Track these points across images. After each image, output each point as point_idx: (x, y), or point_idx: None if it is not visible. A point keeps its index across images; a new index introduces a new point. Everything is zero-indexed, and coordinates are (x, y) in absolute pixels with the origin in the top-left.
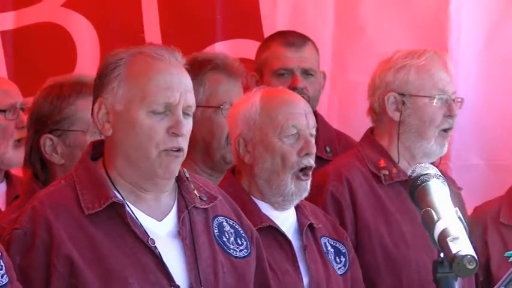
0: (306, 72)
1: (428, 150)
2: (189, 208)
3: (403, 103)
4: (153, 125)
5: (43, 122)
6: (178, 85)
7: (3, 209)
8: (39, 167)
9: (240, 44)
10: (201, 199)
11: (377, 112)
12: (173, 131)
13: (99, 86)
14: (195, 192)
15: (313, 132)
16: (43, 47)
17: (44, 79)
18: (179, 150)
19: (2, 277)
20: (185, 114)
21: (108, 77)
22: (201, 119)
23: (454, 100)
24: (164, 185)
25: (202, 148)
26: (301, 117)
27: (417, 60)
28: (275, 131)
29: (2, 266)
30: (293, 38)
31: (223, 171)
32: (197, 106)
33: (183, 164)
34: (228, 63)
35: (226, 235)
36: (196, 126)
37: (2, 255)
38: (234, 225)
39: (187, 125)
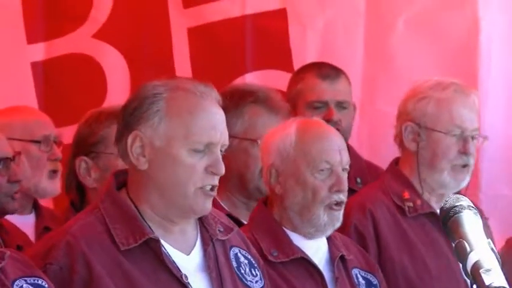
0: (340, 105)
1: (442, 182)
2: (213, 240)
3: (419, 134)
4: (194, 163)
5: (79, 144)
6: (219, 124)
7: (33, 240)
8: (75, 191)
9: (269, 75)
10: (218, 231)
11: (397, 141)
12: (212, 170)
13: (132, 118)
14: (214, 224)
15: (347, 167)
16: (73, 78)
17: (74, 110)
18: (214, 187)
19: None
20: (220, 151)
21: (147, 111)
22: (237, 150)
23: (473, 138)
24: (194, 218)
25: (237, 179)
26: (335, 153)
27: (440, 93)
28: (308, 165)
29: None
30: (327, 70)
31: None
32: (234, 137)
33: (219, 194)
34: (269, 97)
35: (243, 266)
36: (231, 156)
37: None
38: (246, 255)
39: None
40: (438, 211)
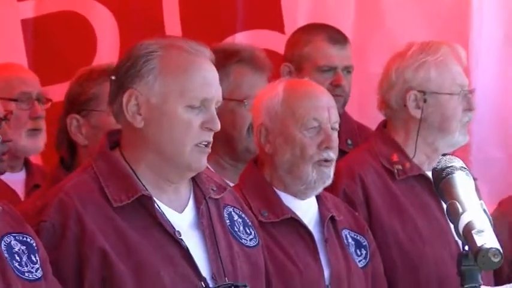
0: (346, 70)
1: (454, 142)
2: (206, 198)
3: (425, 101)
4: (191, 119)
5: (71, 102)
6: (214, 81)
7: (22, 197)
8: (66, 148)
9: (260, 35)
10: (212, 189)
11: (393, 108)
12: (207, 126)
13: (126, 77)
14: (207, 183)
15: (336, 126)
16: (63, 36)
17: (63, 68)
18: (208, 144)
19: (36, 271)
20: (216, 109)
21: (141, 70)
22: (223, 111)
23: (470, 92)
24: (190, 176)
25: (224, 140)
26: (323, 110)
27: (434, 56)
28: (296, 123)
29: (36, 260)
30: (337, 35)
31: (247, 162)
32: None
33: (207, 157)
34: (254, 57)
35: (237, 225)
36: (219, 116)
37: (38, 248)
38: (240, 214)
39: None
40: (428, 173)
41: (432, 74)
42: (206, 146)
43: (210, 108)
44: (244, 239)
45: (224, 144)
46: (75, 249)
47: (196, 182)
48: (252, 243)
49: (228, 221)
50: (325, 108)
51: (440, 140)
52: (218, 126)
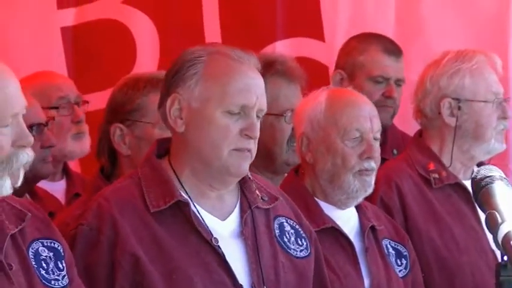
0: (398, 82)
1: (490, 149)
2: (252, 208)
3: (459, 108)
4: (228, 124)
5: (115, 111)
6: (256, 88)
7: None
8: (107, 157)
9: (300, 43)
10: (262, 199)
11: (428, 116)
12: (246, 133)
13: (172, 82)
14: (257, 192)
15: (378, 136)
16: (103, 43)
17: (103, 76)
18: (249, 151)
19: (62, 279)
20: (257, 117)
21: (185, 74)
22: (262, 126)
23: (505, 101)
24: (232, 183)
25: (263, 154)
26: (365, 120)
27: (469, 64)
28: (338, 132)
29: (63, 266)
30: (392, 47)
31: (285, 174)
32: None
33: None
34: (288, 68)
35: (287, 235)
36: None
37: (64, 254)
38: (294, 225)
39: (258, 127)
40: (464, 182)
41: (466, 82)
42: (247, 151)
43: (250, 115)
44: (294, 250)
45: (263, 158)
46: (108, 253)
47: (243, 191)
48: (302, 254)
49: (277, 231)
50: (367, 118)
51: (476, 148)
52: (257, 134)
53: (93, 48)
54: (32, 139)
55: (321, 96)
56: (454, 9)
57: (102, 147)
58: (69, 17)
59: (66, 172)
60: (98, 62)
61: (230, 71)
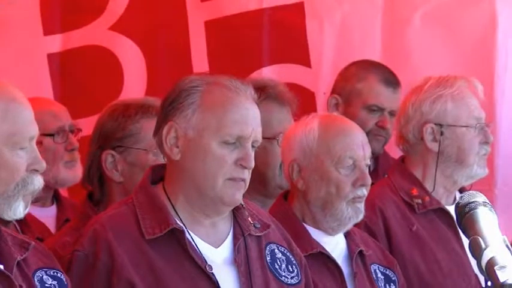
0: (392, 113)
1: (473, 174)
2: (244, 236)
3: (441, 133)
4: (224, 155)
5: (107, 137)
6: (252, 120)
7: (53, 231)
8: (97, 184)
9: (286, 69)
10: (254, 226)
11: (411, 142)
12: (241, 163)
13: (169, 110)
14: (250, 219)
15: (368, 162)
16: (90, 69)
17: (91, 102)
18: (243, 180)
19: None
20: (252, 147)
21: (182, 103)
22: (255, 150)
23: (487, 126)
24: (225, 212)
25: (255, 177)
26: (358, 148)
27: (451, 90)
28: (332, 160)
29: None
30: (391, 77)
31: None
32: None
33: None
34: (279, 92)
35: (278, 262)
36: None
37: (67, 284)
38: (285, 252)
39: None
40: (447, 207)
41: (449, 107)
42: (241, 181)
43: (245, 146)
44: (285, 277)
45: (256, 181)
46: (105, 279)
47: (236, 218)
48: (293, 281)
49: (269, 258)
50: (360, 146)
51: (458, 173)
52: (252, 164)
53: (80, 74)
54: (44, 165)
55: (312, 123)
56: (440, 36)
57: (92, 173)
58: (56, 43)
59: (56, 198)
60: (85, 88)
61: (227, 102)
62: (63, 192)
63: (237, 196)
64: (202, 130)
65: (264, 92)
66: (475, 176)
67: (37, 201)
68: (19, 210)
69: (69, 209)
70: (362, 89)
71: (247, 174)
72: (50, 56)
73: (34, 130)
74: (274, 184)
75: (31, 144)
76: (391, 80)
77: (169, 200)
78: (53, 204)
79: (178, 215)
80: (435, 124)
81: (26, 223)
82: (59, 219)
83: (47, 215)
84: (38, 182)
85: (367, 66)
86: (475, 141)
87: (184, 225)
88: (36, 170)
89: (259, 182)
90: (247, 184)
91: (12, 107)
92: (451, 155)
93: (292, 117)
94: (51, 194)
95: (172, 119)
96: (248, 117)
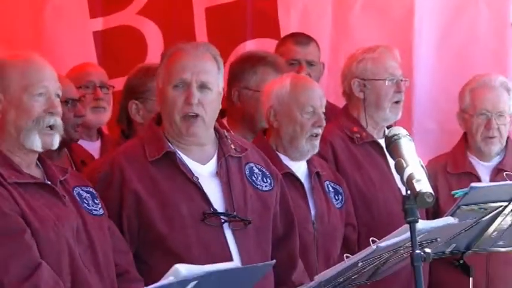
0: (310, 63)
1: (387, 117)
2: (226, 156)
3: (364, 85)
4: (175, 96)
5: (132, 91)
6: (192, 67)
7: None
8: (126, 124)
9: (263, 42)
10: (235, 150)
11: (347, 93)
12: (187, 101)
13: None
14: (232, 146)
15: (323, 109)
16: (123, 43)
17: (122, 66)
18: (196, 115)
19: (99, 210)
20: (203, 88)
21: (160, 64)
22: (250, 99)
23: (402, 80)
24: (196, 141)
25: (249, 119)
26: (317, 99)
27: (372, 54)
28: (298, 107)
29: (98, 202)
30: (301, 38)
31: None
32: (249, 89)
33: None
34: (276, 61)
35: (255, 175)
36: (246, 103)
37: (97, 195)
38: (261, 169)
39: (204, 97)
40: (379, 140)
41: (369, 66)
42: (194, 117)
43: (189, 88)
44: (260, 185)
45: (248, 122)
46: (117, 191)
47: (221, 145)
48: (266, 189)
49: (247, 172)
50: (318, 98)
51: (377, 115)
52: (194, 100)
53: (116, 46)
54: (59, 109)
55: (285, 81)
56: (373, 18)
57: (122, 116)
58: (99, 24)
59: (100, 134)
60: (119, 56)
61: (176, 59)
62: (105, 130)
63: (192, 129)
64: (162, 81)
65: (265, 60)
66: (389, 119)
67: (85, 136)
68: (36, 142)
69: (110, 143)
70: (282, 52)
71: (199, 110)
72: (95, 33)
73: (48, 82)
74: (260, 125)
75: (49, 95)
76: (300, 40)
77: (164, 134)
78: (98, 139)
79: (170, 143)
80: (360, 79)
81: (74, 151)
82: (102, 150)
83: (94, 148)
84: (51, 120)
85: (287, 36)
86: (390, 91)
87: (176, 149)
88: (51, 113)
89: (250, 122)
90: (205, 118)
91: (29, 67)
92: (372, 102)
93: None
94: (95, 131)
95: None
96: (187, 66)
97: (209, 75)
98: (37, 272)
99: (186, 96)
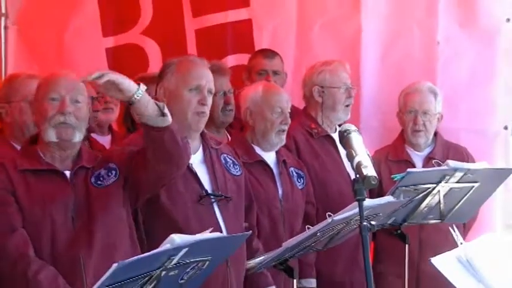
0: (275, 73)
1: (340, 117)
2: (209, 147)
3: (323, 92)
4: (190, 97)
5: None
6: (206, 76)
7: None
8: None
9: (241, 56)
10: (213, 143)
11: (307, 97)
12: (201, 102)
13: (161, 76)
14: (210, 140)
15: (289, 110)
16: (129, 58)
17: (129, 76)
18: (204, 113)
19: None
20: (209, 93)
21: (165, 71)
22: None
23: (351, 88)
24: (194, 134)
25: (210, 118)
26: (284, 102)
27: (329, 67)
28: (269, 109)
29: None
30: (268, 53)
31: (222, 130)
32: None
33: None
34: (220, 67)
35: (229, 164)
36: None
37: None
38: (231, 158)
39: (209, 100)
40: (332, 134)
41: (327, 77)
42: (202, 114)
43: (203, 92)
44: (233, 171)
45: (210, 120)
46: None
47: (204, 139)
48: (237, 173)
49: (223, 161)
50: (285, 102)
51: (331, 116)
52: (208, 102)
53: (124, 61)
54: (68, 109)
55: (258, 88)
56: (329, 38)
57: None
58: (110, 42)
59: (110, 130)
60: (126, 68)
61: (189, 67)
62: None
63: (199, 124)
64: (176, 83)
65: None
66: (341, 118)
67: (98, 132)
68: (51, 135)
69: (118, 136)
70: (253, 64)
71: (206, 109)
72: (107, 50)
73: (65, 91)
74: (219, 121)
75: (63, 100)
76: (267, 54)
77: None
78: (108, 134)
79: None
80: (319, 86)
81: (92, 143)
82: (112, 143)
83: (105, 141)
84: (61, 118)
85: (257, 51)
86: (343, 97)
87: None
88: (62, 113)
89: (212, 120)
90: (207, 117)
91: (50, 79)
92: (328, 105)
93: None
94: (106, 128)
95: (161, 81)
96: (202, 74)
97: (213, 83)
98: (13, 234)
99: (200, 98)
